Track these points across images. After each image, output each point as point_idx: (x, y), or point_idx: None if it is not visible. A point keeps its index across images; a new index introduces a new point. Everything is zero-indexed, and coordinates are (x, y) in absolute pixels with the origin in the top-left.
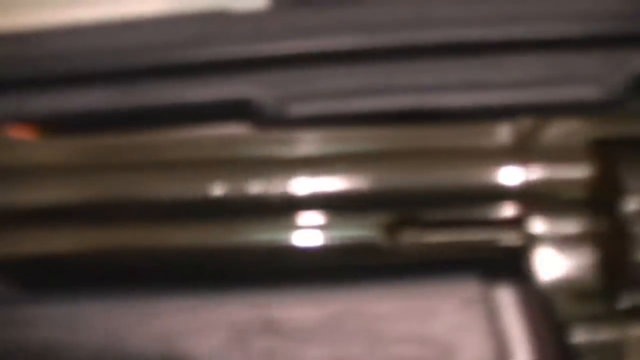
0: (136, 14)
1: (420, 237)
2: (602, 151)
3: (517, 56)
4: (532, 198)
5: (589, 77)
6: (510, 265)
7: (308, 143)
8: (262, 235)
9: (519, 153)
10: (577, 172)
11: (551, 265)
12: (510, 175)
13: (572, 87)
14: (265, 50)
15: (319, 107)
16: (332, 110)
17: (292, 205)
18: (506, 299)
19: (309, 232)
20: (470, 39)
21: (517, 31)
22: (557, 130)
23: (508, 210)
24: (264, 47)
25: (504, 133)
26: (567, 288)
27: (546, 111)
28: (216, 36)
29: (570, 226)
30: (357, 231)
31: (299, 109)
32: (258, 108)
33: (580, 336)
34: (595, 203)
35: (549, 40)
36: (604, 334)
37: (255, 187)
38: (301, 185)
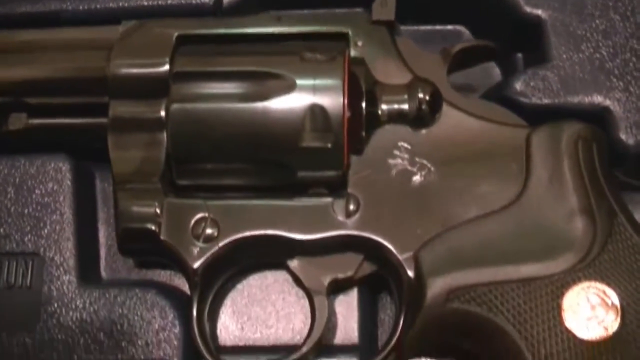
0: None
1: (26, 120)
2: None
3: None
4: (116, 86)
5: None
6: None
7: None
8: None
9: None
10: (159, 65)
11: (122, 144)
12: (98, 67)
13: None
14: None
15: None
16: None
17: None
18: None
19: None
20: None
21: None
22: (154, 30)
23: (94, 97)
24: None
25: (113, 33)
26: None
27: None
28: None
29: (147, 114)
30: None
31: None
32: None
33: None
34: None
35: None
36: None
37: None
38: None
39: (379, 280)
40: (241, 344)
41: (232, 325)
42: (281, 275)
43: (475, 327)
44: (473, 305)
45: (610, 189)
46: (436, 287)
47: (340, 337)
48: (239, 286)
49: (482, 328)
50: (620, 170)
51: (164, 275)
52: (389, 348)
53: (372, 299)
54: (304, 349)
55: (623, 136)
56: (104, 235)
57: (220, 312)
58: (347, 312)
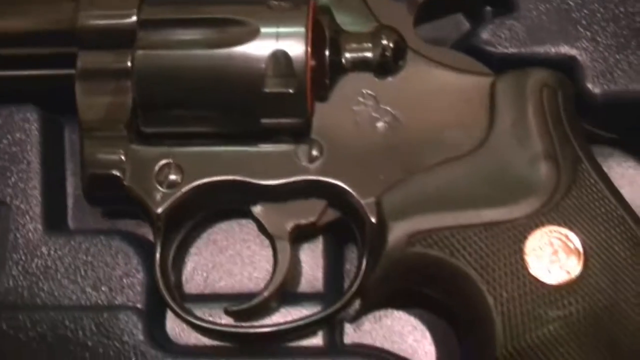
0: None
1: None
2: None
3: None
4: (85, 37)
5: None
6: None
7: None
8: None
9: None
10: (127, 16)
11: (89, 92)
12: (67, 18)
13: None
14: None
15: None
16: None
17: None
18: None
19: None
20: None
21: None
22: None
23: (63, 48)
24: None
25: None
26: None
27: None
28: None
29: (115, 64)
30: None
31: None
32: None
33: None
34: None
35: None
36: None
37: None
38: None
39: (345, 231)
40: (206, 291)
41: (196, 273)
42: (246, 225)
43: (437, 271)
44: (435, 249)
45: (575, 136)
46: (398, 230)
47: (305, 285)
48: (204, 235)
49: (444, 272)
50: (588, 121)
51: (130, 225)
52: (351, 292)
53: (338, 249)
54: (266, 294)
55: (590, 85)
56: (72, 185)
57: (185, 260)
58: (312, 260)
